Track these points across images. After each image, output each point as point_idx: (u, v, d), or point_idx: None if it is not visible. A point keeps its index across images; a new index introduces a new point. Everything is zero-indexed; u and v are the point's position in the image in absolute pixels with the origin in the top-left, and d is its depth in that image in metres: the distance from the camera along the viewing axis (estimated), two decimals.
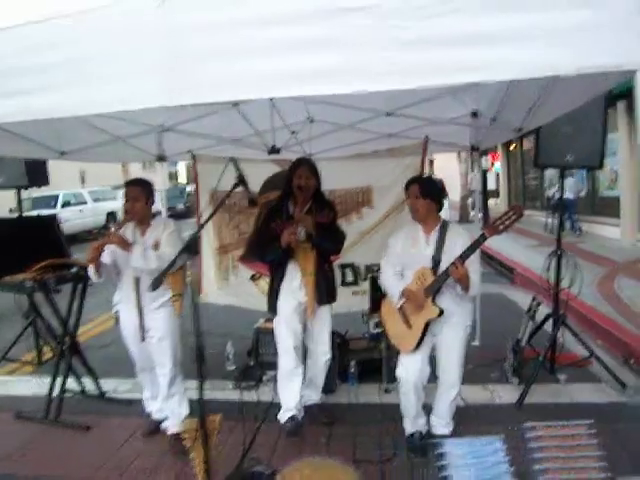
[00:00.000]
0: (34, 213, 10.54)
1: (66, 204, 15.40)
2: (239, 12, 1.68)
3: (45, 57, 1.79)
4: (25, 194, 6.11)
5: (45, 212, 11.92)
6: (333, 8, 1.61)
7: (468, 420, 3.18)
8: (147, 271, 2.97)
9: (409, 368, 2.84)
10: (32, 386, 4.15)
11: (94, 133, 3.72)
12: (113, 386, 3.99)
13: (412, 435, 2.97)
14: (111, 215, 16.88)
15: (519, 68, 1.56)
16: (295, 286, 3.21)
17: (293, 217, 3.19)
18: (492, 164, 18.96)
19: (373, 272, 4.82)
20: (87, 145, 3.81)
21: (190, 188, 29.32)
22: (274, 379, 3.92)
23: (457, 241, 2.78)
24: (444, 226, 2.87)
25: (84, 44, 1.76)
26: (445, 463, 2.44)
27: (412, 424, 2.98)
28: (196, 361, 2.05)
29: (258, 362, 4.01)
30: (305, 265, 3.19)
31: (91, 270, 3.02)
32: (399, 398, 2.99)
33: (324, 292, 3.25)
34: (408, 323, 2.81)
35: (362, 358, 3.91)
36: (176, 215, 22.48)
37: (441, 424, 3.00)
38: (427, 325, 2.75)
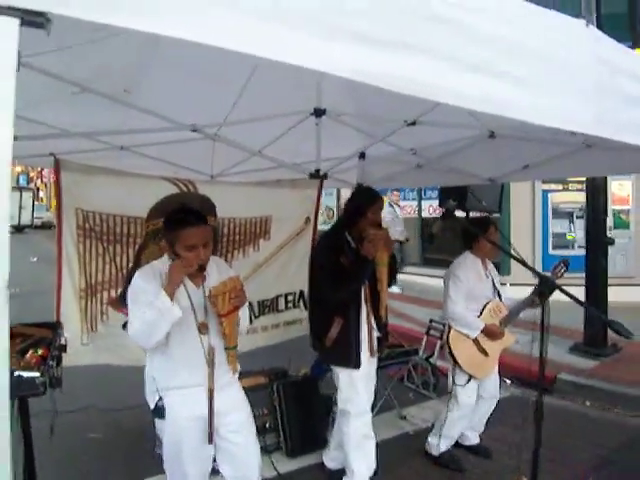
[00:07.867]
0: None
1: None
2: None
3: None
4: None
5: None
6: None
7: None
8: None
9: (473, 393, 3.13)
10: None
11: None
12: None
13: (444, 454, 3.24)
14: None
15: None
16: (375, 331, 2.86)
17: (359, 254, 2.73)
18: None
19: (266, 308, 4.57)
20: None
21: None
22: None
23: (496, 274, 3.36)
24: None
25: None
26: None
27: (450, 442, 3.25)
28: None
29: None
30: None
31: None
32: (451, 421, 3.17)
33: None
34: (485, 352, 3.11)
35: None
36: None
37: (474, 435, 3.40)
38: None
